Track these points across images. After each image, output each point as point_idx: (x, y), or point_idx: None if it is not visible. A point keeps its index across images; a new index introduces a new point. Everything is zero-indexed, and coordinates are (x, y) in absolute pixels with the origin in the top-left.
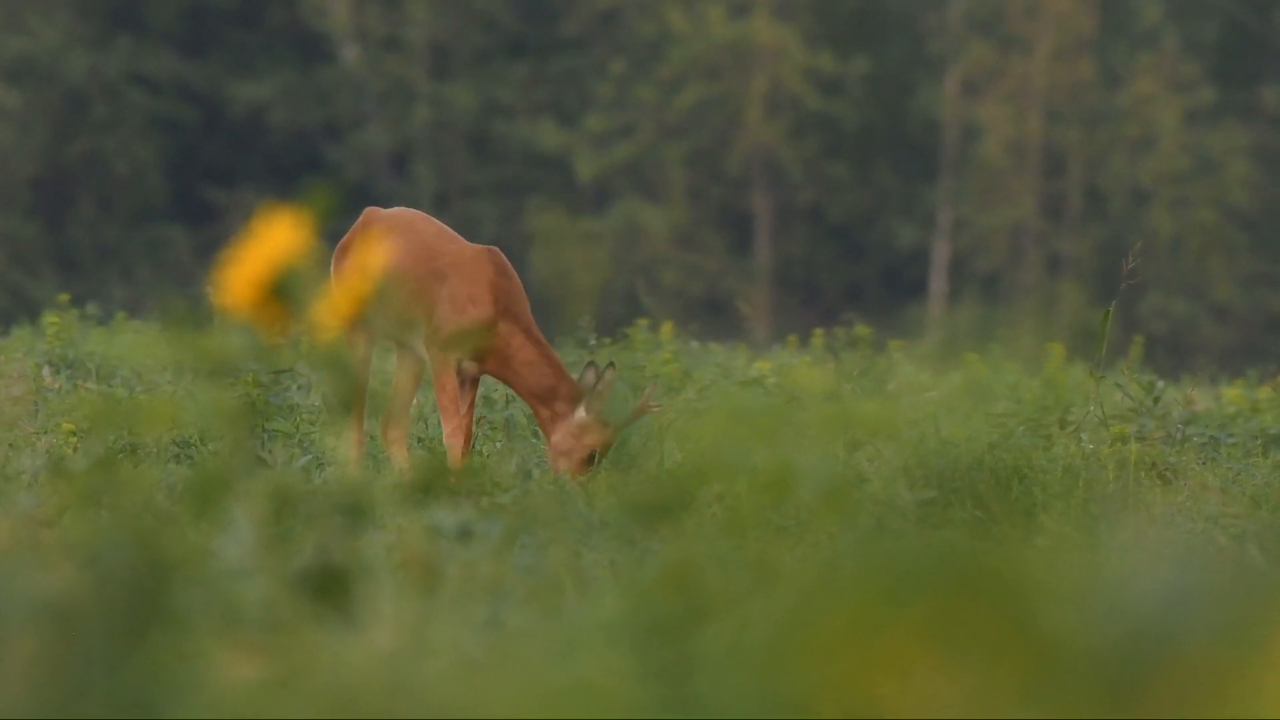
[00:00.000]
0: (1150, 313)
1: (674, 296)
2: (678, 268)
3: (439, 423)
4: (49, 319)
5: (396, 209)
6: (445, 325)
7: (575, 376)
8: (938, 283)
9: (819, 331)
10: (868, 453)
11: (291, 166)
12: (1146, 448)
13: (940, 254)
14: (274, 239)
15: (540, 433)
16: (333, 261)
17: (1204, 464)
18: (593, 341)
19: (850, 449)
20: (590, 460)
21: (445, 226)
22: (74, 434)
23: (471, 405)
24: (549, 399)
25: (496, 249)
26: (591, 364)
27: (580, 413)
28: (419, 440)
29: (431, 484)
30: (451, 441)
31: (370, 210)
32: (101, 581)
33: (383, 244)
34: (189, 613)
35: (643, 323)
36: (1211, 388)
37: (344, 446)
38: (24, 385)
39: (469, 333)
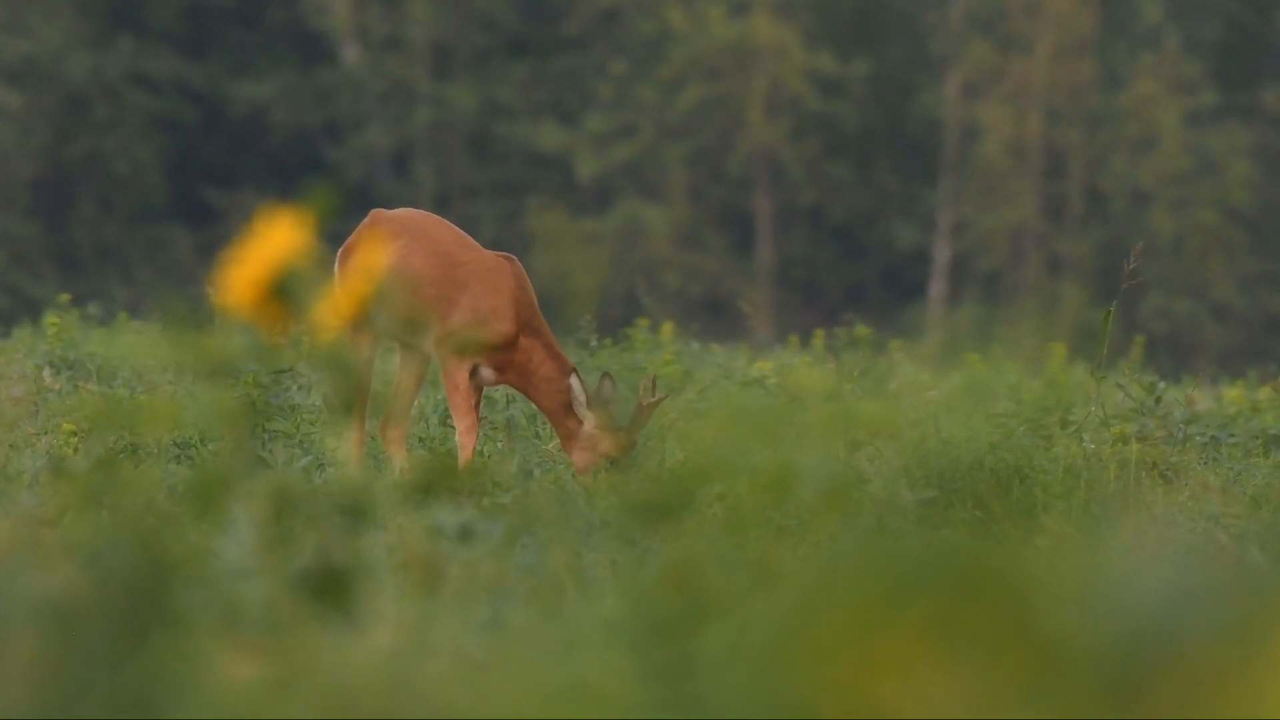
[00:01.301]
0: (1151, 313)
1: (675, 297)
2: (678, 268)
3: (439, 423)
4: (50, 319)
5: (404, 210)
6: (461, 333)
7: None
8: (938, 283)
9: (820, 332)
10: (868, 453)
11: (292, 167)
12: (1147, 448)
13: (941, 254)
14: (275, 239)
15: (541, 433)
16: (337, 262)
17: (1205, 464)
18: (594, 342)
19: (851, 449)
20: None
21: (462, 232)
22: (75, 434)
23: (477, 405)
24: (565, 415)
25: (514, 257)
26: (607, 375)
27: (586, 426)
28: (419, 440)
29: (432, 484)
30: (464, 440)
31: (376, 212)
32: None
33: (392, 246)
34: (190, 613)
35: (643, 323)
36: (1212, 388)
37: (345, 447)
38: (25, 386)
39: (483, 341)
